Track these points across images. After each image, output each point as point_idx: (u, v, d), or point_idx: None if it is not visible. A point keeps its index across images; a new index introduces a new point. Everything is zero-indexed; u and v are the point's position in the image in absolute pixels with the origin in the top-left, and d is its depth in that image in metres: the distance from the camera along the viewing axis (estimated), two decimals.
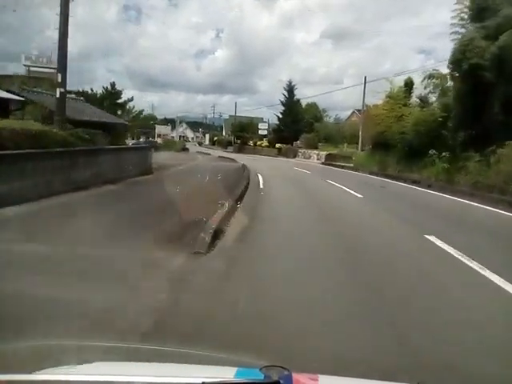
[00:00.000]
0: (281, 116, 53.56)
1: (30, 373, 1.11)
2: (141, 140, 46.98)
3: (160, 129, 68.93)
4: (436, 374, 2.53)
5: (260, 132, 56.61)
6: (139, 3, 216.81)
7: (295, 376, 1.06)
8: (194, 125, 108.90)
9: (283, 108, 53.37)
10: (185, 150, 48.59)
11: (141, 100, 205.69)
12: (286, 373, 1.04)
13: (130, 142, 46.83)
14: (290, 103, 53.15)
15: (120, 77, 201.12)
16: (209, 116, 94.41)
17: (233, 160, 30.01)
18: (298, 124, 52.47)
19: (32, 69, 52.87)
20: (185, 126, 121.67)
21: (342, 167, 26.52)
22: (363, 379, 1.39)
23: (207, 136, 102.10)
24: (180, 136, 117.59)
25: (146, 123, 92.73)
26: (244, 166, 21.80)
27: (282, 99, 53.36)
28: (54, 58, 45.62)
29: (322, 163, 31.75)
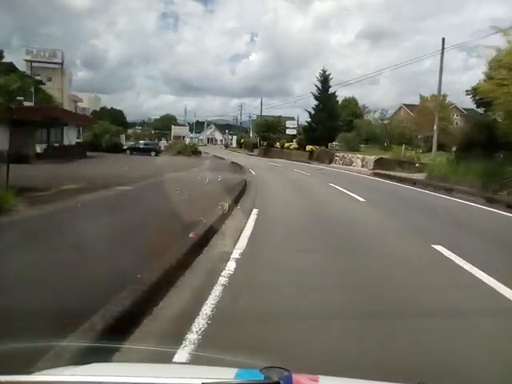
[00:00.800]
0: (313, 112, 43.60)
1: (29, 373, 1.09)
2: (141, 142, 38.72)
3: (176, 130, 61.32)
4: None
5: (288, 131, 46.95)
6: (176, 10, 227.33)
7: (295, 377, 1.04)
8: (226, 127, 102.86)
9: (316, 102, 43.47)
10: (196, 153, 39.90)
11: (178, 104, 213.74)
12: (286, 374, 1.01)
13: (126, 145, 38.87)
14: (324, 96, 43.11)
15: (158, 82, 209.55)
16: (242, 118, 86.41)
17: (241, 170, 20.81)
18: (333, 121, 42.47)
19: (34, 64, 46.58)
20: (213, 128, 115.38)
21: (414, 183, 15.97)
22: (364, 380, 1.32)
23: (235, 138, 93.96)
24: (208, 138, 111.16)
25: (164, 124, 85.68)
26: (243, 185, 12.49)
27: (315, 91, 43.53)
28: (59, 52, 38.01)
29: (373, 173, 21.76)
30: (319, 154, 35.05)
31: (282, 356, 2.43)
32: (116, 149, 34.07)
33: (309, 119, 44.00)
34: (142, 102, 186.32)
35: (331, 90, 43.36)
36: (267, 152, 48.90)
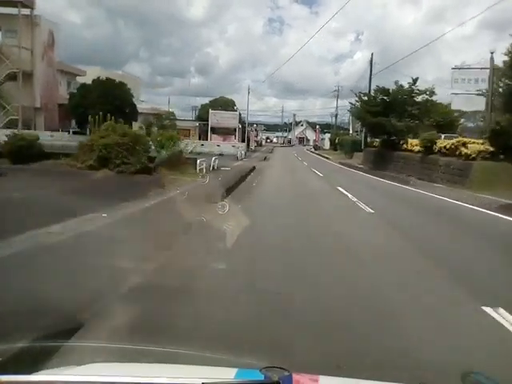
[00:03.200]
0: None
1: (29, 374, 1.09)
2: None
3: (217, 118, 34.76)
4: None
5: (455, 104, 16.75)
6: (282, 15, 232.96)
7: (295, 377, 1.04)
8: (325, 128, 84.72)
9: None
10: (176, 166, 12.71)
11: (281, 106, 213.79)
12: (286, 374, 1.02)
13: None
14: None
15: (263, 85, 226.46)
16: (340, 117, 62.95)
17: None
18: None
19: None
20: (305, 125, 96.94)
21: None
22: (363, 380, 1.35)
23: (327, 137, 72.82)
24: (298, 138, 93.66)
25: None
26: None
27: None
28: None
29: None
30: None
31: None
32: None
33: None
34: (248, 105, 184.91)
35: None
36: (382, 161, 20.01)
